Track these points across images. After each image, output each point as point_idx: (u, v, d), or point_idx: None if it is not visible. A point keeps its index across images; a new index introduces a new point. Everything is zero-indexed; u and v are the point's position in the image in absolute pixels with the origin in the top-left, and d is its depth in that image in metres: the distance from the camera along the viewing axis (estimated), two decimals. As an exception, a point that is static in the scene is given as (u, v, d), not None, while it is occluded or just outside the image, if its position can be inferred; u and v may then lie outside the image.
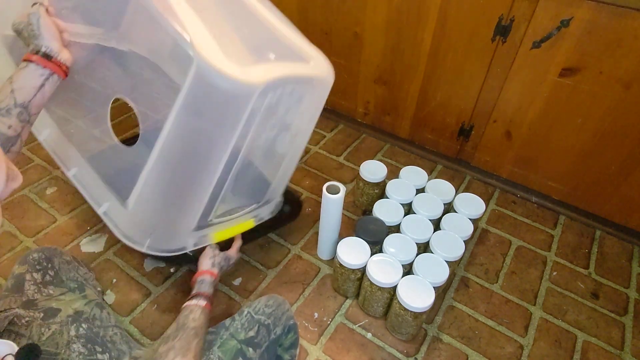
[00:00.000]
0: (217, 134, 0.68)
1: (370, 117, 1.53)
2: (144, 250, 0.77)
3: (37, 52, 0.60)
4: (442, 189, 1.16)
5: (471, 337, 0.98)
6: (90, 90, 0.84)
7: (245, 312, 0.75)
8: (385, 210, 1.07)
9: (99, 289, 1.00)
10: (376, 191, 1.21)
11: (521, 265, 1.15)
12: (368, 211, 1.24)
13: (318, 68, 0.81)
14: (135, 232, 0.77)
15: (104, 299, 0.85)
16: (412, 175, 1.18)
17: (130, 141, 0.83)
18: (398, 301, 0.88)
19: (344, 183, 1.37)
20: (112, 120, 0.83)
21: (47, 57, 0.60)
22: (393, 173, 1.34)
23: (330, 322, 1.00)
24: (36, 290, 0.72)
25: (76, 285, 0.77)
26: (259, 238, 1.15)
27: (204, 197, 0.74)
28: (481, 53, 1.14)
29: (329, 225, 1.03)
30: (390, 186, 1.14)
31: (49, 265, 0.77)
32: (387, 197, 1.13)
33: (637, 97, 0.99)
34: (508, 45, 1.09)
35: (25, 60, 0.59)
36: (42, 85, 0.59)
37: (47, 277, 0.75)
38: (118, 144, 0.85)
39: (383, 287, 0.91)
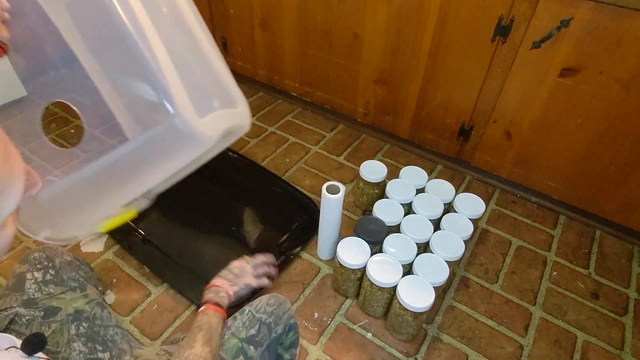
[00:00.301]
0: (163, 166, 0.74)
1: (371, 117, 1.53)
2: (37, 238, 0.75)
3: None
4: (442, 189, 1.16)
5: (471, 337, 0.98)
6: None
7: (247, 311, 0.75)
8: (385, 210, 1.07)
9: (100, 288, 1.00)
10: (376, 191, 1.21)
11: (521, 265, 1.15)
12: (368, 211, 1.24)
13: (244, 116, 0.86)
14: (36, 222, 0.76)
15: (104, 299, 0.86)
16: (412, 175, 1.18)
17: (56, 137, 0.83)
18: (398, 301, 0.88)
19: (344, 183, 1.37)
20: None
21: None
22: (393, 173, 1.34)
23: (330, 322, 1.00)
24: (37, 289, 0.72)
25: (77, 285, 0.77)
26: (289, 261, 1.12)
27: (121, 204, 0.78)
28: (481, 53, 1.14)
29: (329, 225, 1.03)
30: (390, 186, 1.14)
31: (50, 265, 0.77)
32: (387, 197, 1.13)
33: (637, 98, 0.99)
34: (508, 46, 1.10)
35: None
36: None
37: (48, 276, 0.75)
38: (49, 143, 0.86)
39: (383, 287, 0.91)
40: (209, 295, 0.78)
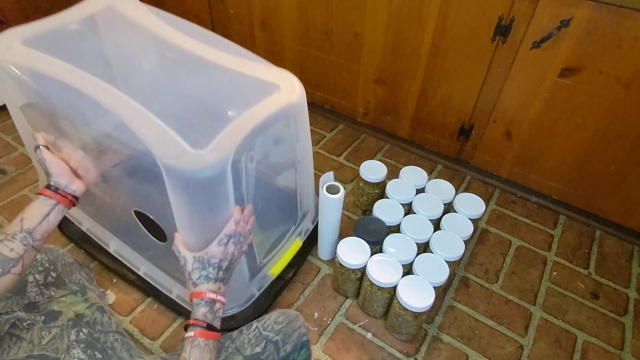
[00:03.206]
0: (215, 208, 0.71)
1: (370, 117, 1.53)
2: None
3: (48, 187, 0.68)
4: (442, 189, 1.16)
5: (471, 337, 0.99)
6: (112, 204, 0.93)
7: (254, 327, 0.72)
8: (385, 210, 1.07)
9: (101, 289, 1.00)
10: (376, 191, 1.21)
11: (521, 265, 1.15)
12: (368, 211, 1.24)
13: (287, 93, 0.79)
14: None
15: (104, 302, 0.85)
16: (412, 175, 1.18)
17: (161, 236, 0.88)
18: (398, 301, 0.88)
19: (344, 183, 1.37)
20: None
21: (55, 189, 0.67)
22: (393, 173, 1.34)
23: (330, 322, 1.00)
24: (38, 292, 0.72)
25: (78, 289, 0.77)
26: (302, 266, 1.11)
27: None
28: (481, 53, 1.14)
29: (329, 225, 1.03)
30: (390, 186, 1.14)
31: (52, 267, 0.77)
32: (387, 197, 1.13)
33: (637, 97, 0.99)
34: (508, 45, 1.09)
35: (38, 193, 0.67)
36: (48, 214, 0.65)
37: (50, 279, 0.75)
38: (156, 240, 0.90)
39: (383, 287, 0.91)
40: (200, 310, 0.63)
